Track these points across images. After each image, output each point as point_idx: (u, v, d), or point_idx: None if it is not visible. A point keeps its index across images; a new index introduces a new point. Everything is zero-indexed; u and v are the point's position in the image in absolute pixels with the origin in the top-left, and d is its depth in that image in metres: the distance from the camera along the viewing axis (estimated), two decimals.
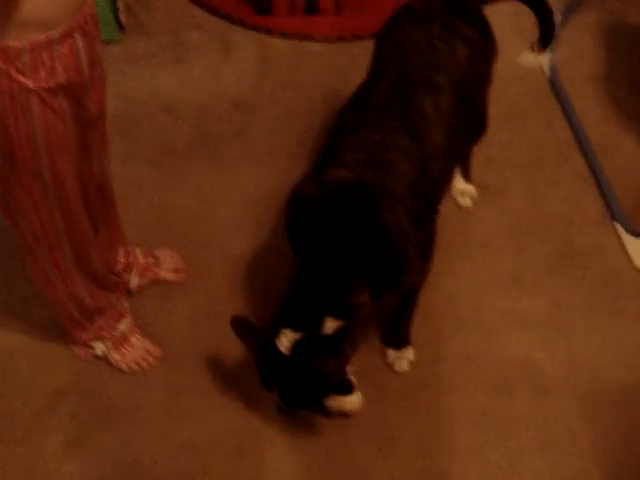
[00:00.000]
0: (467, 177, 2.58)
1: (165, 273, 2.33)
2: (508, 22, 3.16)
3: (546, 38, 2.33)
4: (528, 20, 3.15)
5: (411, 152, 1.87)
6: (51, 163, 1.60)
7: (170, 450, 2.03)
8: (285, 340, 1.81)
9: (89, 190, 1.88)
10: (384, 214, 1.80)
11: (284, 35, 3.10)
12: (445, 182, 2.08)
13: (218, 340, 2.17)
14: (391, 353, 2.19)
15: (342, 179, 1.83)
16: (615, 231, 2.50)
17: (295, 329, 1.80)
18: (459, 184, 2.57)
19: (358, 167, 1.84)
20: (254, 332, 1.91)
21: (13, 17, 1.35)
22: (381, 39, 2.22)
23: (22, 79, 1.43)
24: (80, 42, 1.51)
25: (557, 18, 3.09)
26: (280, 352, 1.81)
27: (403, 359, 2.18)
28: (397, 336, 2.19)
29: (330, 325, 1.80)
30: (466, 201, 2.57)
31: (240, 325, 1.91)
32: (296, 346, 1.80)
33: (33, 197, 1.66)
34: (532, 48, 2.37)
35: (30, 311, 2.25)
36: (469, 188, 2.58)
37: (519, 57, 2.56)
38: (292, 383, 1.83)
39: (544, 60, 2.97)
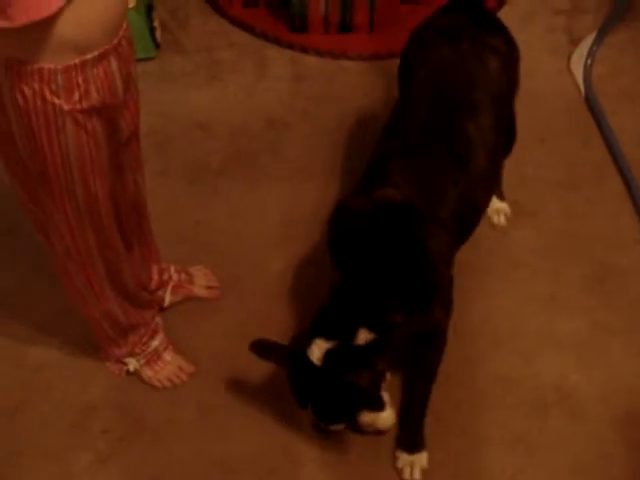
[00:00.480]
0: (500, 195, 2.55)
1: (199, 290, 2.34)
2: (542, 40, 3.15)
3: None
4: (562, 38, 3.16)
5: (457, 178, 1.89)
6: (84, 182, 1.61)
7: (201, 467, 2.03)
8: (317, 350, 1.81)
9: (123, 208, 1.89)
10: (430, 239, 1.83)
11: (318, 53, 3.11)
12: (485, 208, 2.10)
13: (250, 357, 2.14)
14: (402, 457, 2.02)
15: (391, 198, 1.85)
16: None
17: (327, 338, 1.81)
18: (493, 203, 2.55)
19: (406, 188, 1.86)
20: (279, 348, 1.93)
21: (48, 40, 1.36)
22: (407, 58, 2.23)
23: (56, 100, 1.44)
24: (114, 64, 1.51)
25: (591, 35, 3.07)
26: (311, 363, 1.81)
27: (415, 466, 2.00)
28: (410, 433, 2.04)
29: (363, 337, 1.80)
30: (501, 220, 2.54)
31: (260, 347, 1.93)
32: (327, 356, 1.80)
33: (66, 214, 1.67)
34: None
35: (64, 327, 2.26)
36: (503, 206, 2.55)
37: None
38: (324, 395, 1.83)
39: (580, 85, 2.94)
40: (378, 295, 1.80)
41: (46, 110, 1.45)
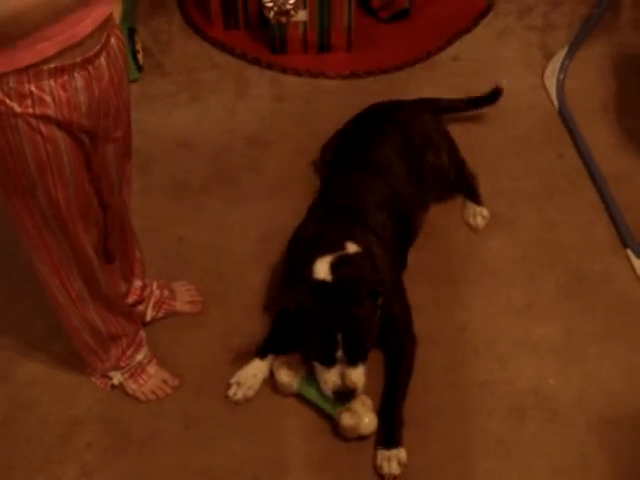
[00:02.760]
0: (478, 201, 2.64)
1: (181, 306, 2.37)
2: (518, 55, 3.23)
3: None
4: (538, 53, 3.24)
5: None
6: (44, 185, 1.63)
7: (186, 479, 2.05)
8: (322, 267, 2.04)
9: (109, 221, 1.94)
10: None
11: (298, 73, 3.17)
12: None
13: (233, 370, 2.21)
14: (381, 453, 2.04)
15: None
16: (627, 258, 2.51)
17: (324, 253, 2.06)
18: (470, 207, 2.63)
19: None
20: (283, 295, 2.16)
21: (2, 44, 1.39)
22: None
23: (8, 101, 1.47)
24: (80, 82, 1.53)
25: (563, 50, 3.14)
26: (325, 283, 2.01)
27: (392, 459, 2.03)
28: (387, 429, 2.08)
29: (351, 248, 2.10)
30: (478, 222, 2.60)
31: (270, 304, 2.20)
32: (332, 267, 2.03)
33: (33, 216, 1.70)
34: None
35: (51, 344, 2.29)
36: (480, 209, 2.62)
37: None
38: (348, 308, 1.98)
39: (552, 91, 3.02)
40: (352, 226, 2.21)
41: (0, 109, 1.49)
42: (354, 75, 3.16)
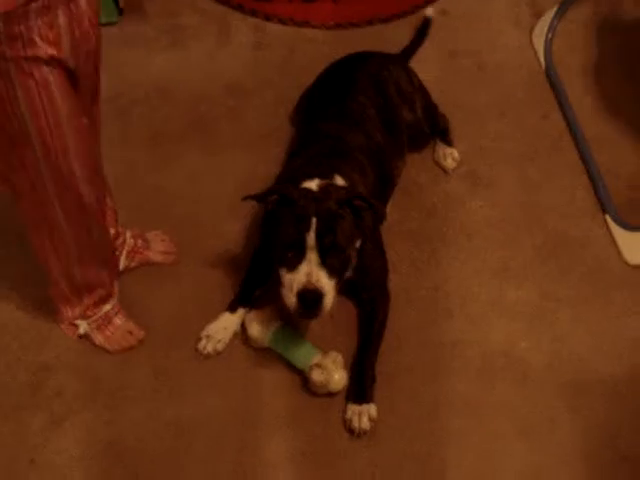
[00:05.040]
0: (448, 143, 2.66)
1: (155, 256, 2.35)
2: (507, 12, 3.17)
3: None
4: (527, 10, 3.18)
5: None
6: (39, 133, 1.61)
7: (154, 429, 2.06)
8: (308, 185, 2.03)
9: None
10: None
11: (282, 21, 3.10)
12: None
13: (205, 322, 2.20)
14: (351, 408, 2.06)
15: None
16: (605, 223, 2.50)
17: (311, 177, 2.06)
18: (441, 148, 2.64)
19: None
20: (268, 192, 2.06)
21: None
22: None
23: None
24: (62, 19, 1.52)
25: (553, 9, 3.09)
26: (314, 191, 2.01)
27: (363, 414, 2.04)
28: (358, 385, 2.09)
29: (339, 180, 2.10)
30: (448, 163, 2.62)
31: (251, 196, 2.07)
32: (320, 186, 2.03)
33: (26, 169, 1.68)
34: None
35: (23, 290, 2.27)
36: (450, 150, 2.64)
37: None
38: (327, 198, 1.97)
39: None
40: (339, 162, 2.20)
41: None
42: (339, 26, 3.10)
